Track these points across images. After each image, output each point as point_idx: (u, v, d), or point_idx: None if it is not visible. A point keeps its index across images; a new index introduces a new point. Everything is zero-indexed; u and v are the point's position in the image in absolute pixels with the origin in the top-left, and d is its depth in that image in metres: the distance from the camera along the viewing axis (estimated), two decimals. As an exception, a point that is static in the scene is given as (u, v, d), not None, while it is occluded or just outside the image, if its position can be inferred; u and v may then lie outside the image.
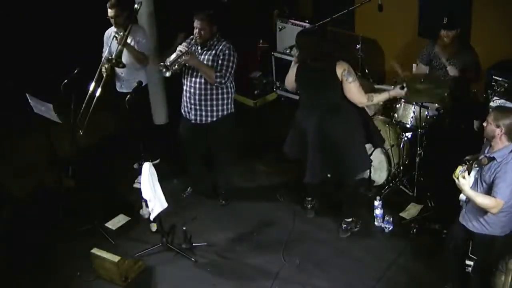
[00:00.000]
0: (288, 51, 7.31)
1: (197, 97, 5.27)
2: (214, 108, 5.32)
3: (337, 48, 5.43)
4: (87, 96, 5.43)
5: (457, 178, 3.82)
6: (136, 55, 5.51)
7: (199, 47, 5.22)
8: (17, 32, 7.38)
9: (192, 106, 5.33)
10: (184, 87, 5.37)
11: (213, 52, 5.19)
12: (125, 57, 5.51)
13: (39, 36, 7.41)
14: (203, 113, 5.33)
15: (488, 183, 3.93)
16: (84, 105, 5.42)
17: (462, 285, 4.46)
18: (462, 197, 4.12)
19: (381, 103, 5.74)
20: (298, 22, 7.24)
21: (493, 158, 3.89)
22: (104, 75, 5.46)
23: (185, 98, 5.39)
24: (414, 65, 5.93)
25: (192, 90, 5.28)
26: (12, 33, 7.36)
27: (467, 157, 4.03)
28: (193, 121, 5.39)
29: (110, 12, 5.42)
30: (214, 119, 5.35)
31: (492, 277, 4.24)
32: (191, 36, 5.23)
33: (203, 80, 5.22)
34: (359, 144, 5.05)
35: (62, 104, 5.19)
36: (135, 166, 6.07)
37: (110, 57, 5.47)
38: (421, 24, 6.72)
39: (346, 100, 4.88)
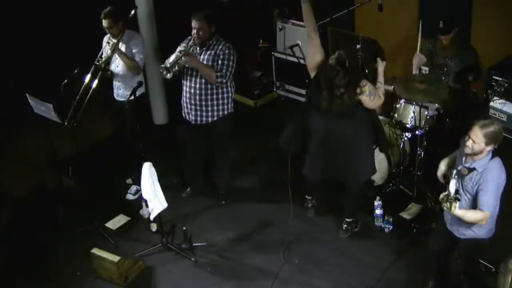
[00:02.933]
0: (288, 51, 7.30)
1: (197, 97, 5.26)
2: (215, 108, 5.31)
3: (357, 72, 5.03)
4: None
5: (445, 204, 3.72)
6: (127, 62, 5.37)
7: (198, 48, 5.20)
8: (17, 32, 7.37)
9: (193, 107, 5.32)
10: (184, 88, 5.35)
11: (213, 52, 5.16)
12: (120, 66, 5.48)
13: (39, 36, 7.40)
14: (204, 113, 5.32)
15: (472, 194, 3.89)
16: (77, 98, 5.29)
17: (444, 285, 4.51)
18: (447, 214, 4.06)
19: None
20: (298, 22, 7.24)
21: (474, 169, 3.85)
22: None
23: (185, 99, 5.37)
24: (417, 52, 5.85)
25: (192, 91, 5.27)
26: (12, 33, 7.35)
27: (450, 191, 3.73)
28: (193, 122, 5.38)
29: (104, 23, 5.33)
30: (215, 118, 5.34)
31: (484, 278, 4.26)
32: (189, 37, 5.22)
33: (203, 80, 5.20)
34: (367, 149, 5.04)
35: (62, 104, 5.20)
36: (128, 181, 6.07)
37: (97, 63, 5.36)
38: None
39: (361, 105, 4.81)
